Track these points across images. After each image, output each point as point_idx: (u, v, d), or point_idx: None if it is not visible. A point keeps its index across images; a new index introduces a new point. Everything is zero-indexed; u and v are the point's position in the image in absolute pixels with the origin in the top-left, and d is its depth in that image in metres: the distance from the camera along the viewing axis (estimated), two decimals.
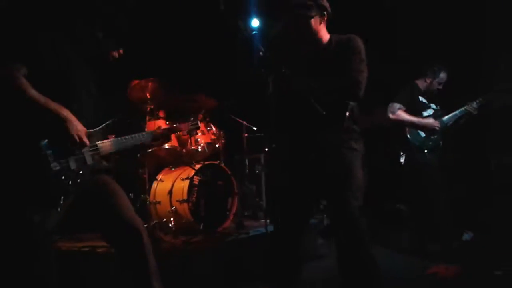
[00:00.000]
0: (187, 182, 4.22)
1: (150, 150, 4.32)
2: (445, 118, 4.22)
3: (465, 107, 4.19)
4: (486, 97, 4.18)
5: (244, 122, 5.13)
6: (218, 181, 4.49)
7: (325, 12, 2.57)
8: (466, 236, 4.25)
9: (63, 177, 2.17)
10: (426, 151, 4.12)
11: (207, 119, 4.82)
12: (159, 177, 4.60)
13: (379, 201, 5.41)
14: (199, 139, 4.61)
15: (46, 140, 2.14)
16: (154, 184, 4.54)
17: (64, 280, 2.86)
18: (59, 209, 2.16)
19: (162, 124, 4.49)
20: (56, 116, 2.18)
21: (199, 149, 4.58)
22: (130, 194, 4.74)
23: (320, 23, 2.55)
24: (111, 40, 2.49)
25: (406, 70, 4.88)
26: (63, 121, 2.19)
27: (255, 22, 5.39)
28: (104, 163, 2.39)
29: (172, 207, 4.24)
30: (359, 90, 2.41)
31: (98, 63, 2.52)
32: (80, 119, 2.27)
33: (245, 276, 3.53)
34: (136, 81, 4.38)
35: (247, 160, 5.30)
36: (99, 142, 2.36)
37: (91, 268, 3.37)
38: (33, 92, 2.13)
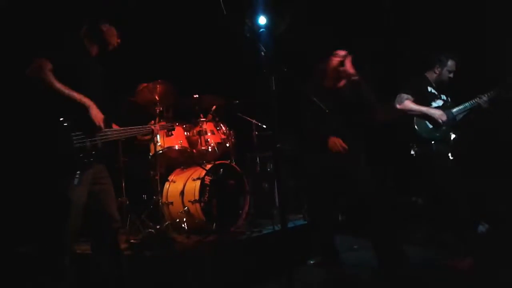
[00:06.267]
0: (199, 182, 4.25)
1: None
2: (454, 110, 4.15)
3: (475, 100, 4.12)
4: (497, 90, 4.10)
5: (254, 121, 5.13)
6: (229, 180, 4.50)
7: None
8: (481, 228, 4.19)
9: (81, 155, 2.58)
10: (433, 142, 4.06)
11: (217, 119, 4.84)
12: (171, 178, 4.64)
13: (394, 194, 5.37)
14: (209, 139, 4.62)
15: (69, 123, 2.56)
16: (166, 185, 4.57)
17: (79, 283, 2.91)
18: (76, 182, 2.55)
19: None
20: (80, 104, 2.59)
21: (210, 149, 4.60)
22: (143, 195, 4.79)
23: None
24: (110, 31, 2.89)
25: (411, 64, 4.84)
26: (87, 107, 2.61)
27: (262, 20, 5.37)
28: (107, 149, 2.79)
29: (185, 207, 4.27)
30: None
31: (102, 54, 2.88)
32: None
33: (258, 274, 3.54)
34: (144, 84, 4.41)
35: (258, 158, 5.30)
36: (107, 129, 2.77)
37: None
38: (59, 85, 2.53)
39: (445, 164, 4.00)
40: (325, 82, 3.79)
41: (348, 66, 3.62)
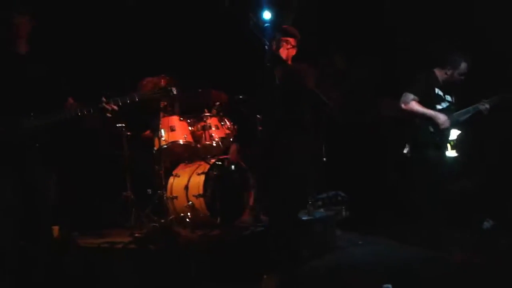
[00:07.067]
0: (203, 176, 4.25)
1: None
2: (456, 113, 4.12)
3: (477, 105, 4.08)
4: (499, 98, 4.06)
5: (258, 116, 5.10)
6: (233, 175, 4.50)
7: None
8: (487, 225, 4.17)
9: None
10: (432, 147, 4.04)
11: (221, 114, 4.83)
12: (175, 172, 4.64)
13: (396, 192, 5.34)
14: (213, 134, 4.62)
15: None
16: (171, 179, 4.58)
17: (84, 275, 2.93)
18: None
19: (175, 120, 4.53)
20: None
21: (214, 144, 4.60)
22: (148, 190, 4.80)
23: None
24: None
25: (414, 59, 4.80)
26: None
27: (266, 14, 5.34)
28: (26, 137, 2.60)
29: (189, 201, 4.28)
30: None
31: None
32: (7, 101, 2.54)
33: (262, 268, 3.54)
34: (149, 78, 4.41)
35: None
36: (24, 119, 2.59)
37: (110, 264, 3.44)
38: None
39: (434, 171, 3.99)
40: None
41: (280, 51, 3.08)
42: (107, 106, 2.70)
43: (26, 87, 2.64)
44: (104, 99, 2.71)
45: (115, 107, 2.73)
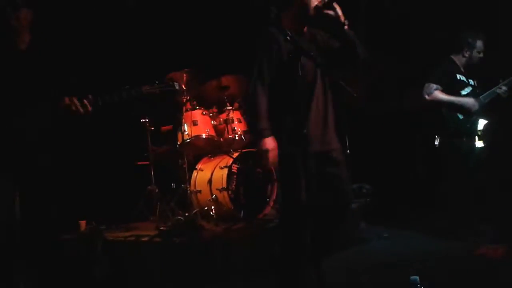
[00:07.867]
0: (226, 170, 4.26)
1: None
2: (482, 96, 4.03)
3: (498, 86, 3.99)
4: None
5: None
6: (256, 169, 4.50)
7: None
8: None
9: None
10: (464, 135, 3.97)
11: (243, 107, 4.83)
12: (199, 166, 4.67)
13: (422, 184, 5.26)
14: (236, 128, 4.62)
15: None
16: (194, 173, 4.61)
17: (111, 268, 2.98)
18: None
19: (198, 114, 4.55)
20: None
21: (236, 138, 4.60)
22: (172, 184, 4.85)
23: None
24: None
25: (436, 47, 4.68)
26: None
27: None
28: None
29: (213, 195, 4.30)
30: None
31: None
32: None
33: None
34: (171, 74, 4.44)
35: None
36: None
37: (137, 257, 3.49)
38: None
39: (466, 159, 3.92)
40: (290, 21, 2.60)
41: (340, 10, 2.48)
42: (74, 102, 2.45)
43: (19, 84, 2.46)
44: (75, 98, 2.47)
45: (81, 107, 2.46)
